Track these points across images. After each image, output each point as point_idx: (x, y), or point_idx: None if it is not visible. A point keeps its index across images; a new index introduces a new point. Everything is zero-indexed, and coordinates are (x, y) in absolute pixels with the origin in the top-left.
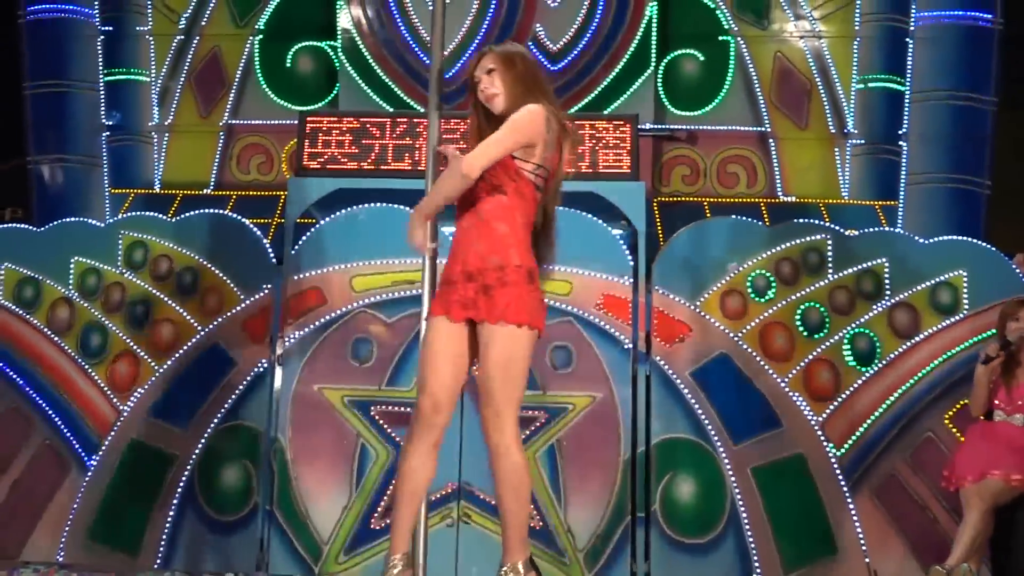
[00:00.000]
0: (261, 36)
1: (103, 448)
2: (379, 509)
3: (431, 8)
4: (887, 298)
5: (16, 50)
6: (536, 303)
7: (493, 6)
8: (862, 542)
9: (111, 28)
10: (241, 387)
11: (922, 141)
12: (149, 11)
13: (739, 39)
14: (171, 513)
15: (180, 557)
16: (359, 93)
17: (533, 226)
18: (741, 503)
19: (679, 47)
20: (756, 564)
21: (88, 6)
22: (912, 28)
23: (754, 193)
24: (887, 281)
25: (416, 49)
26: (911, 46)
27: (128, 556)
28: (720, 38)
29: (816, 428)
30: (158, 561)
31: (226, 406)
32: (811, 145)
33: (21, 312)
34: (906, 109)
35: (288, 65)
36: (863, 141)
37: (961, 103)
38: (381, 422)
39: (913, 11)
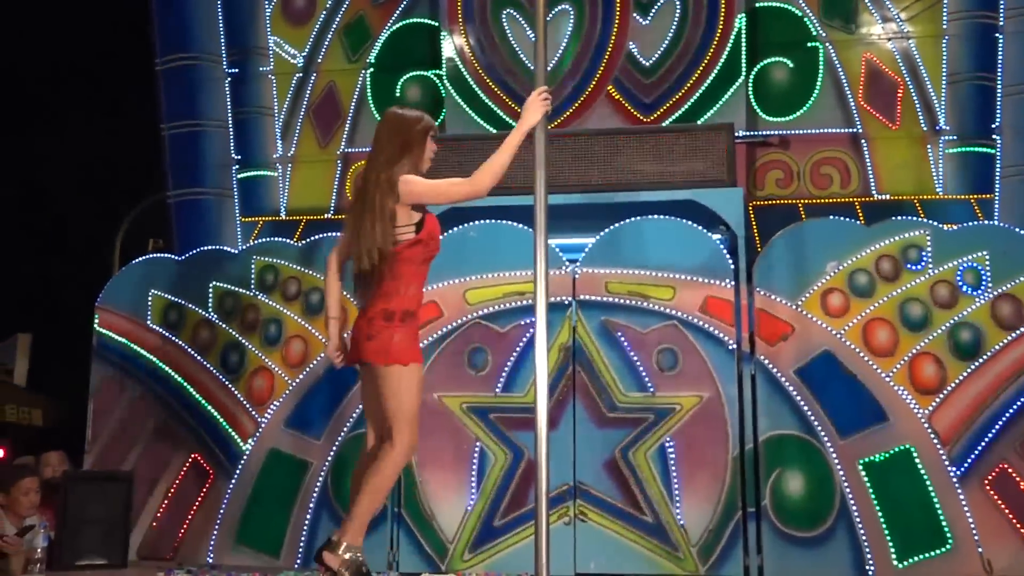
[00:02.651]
0: (372, 69)
1: (245, 457)
2: (501, 508)
3: (529, 34)
4: (989, 290)
5: (154, 95)
6: None
7: (587, 27)
8: (975, 533)
9: (237, 71)
10: None
11: (1015, 134)
12: (271, 53)
13: (827, 44)
14: (308, 516)
15: None
16: (464, 117)
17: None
18: (851, 496)
19: (769, 55)
20: (868, 556)
21: (215, 52)
22: (1001, 23)
23: (848, 193)
24: (988, 273)
25: (516, 72)
26: (1001, 41)
27: (270, 557)
28: (809, 44)
29: (923, 421)
30: (298, 561)
31: (354, 415)
32: (903, 143)
33: (168, 334)
34: (999, 103)
35: (398, 95)
36: (955, 137)
37: None
38: (499, 426)
39: (1002, 6)
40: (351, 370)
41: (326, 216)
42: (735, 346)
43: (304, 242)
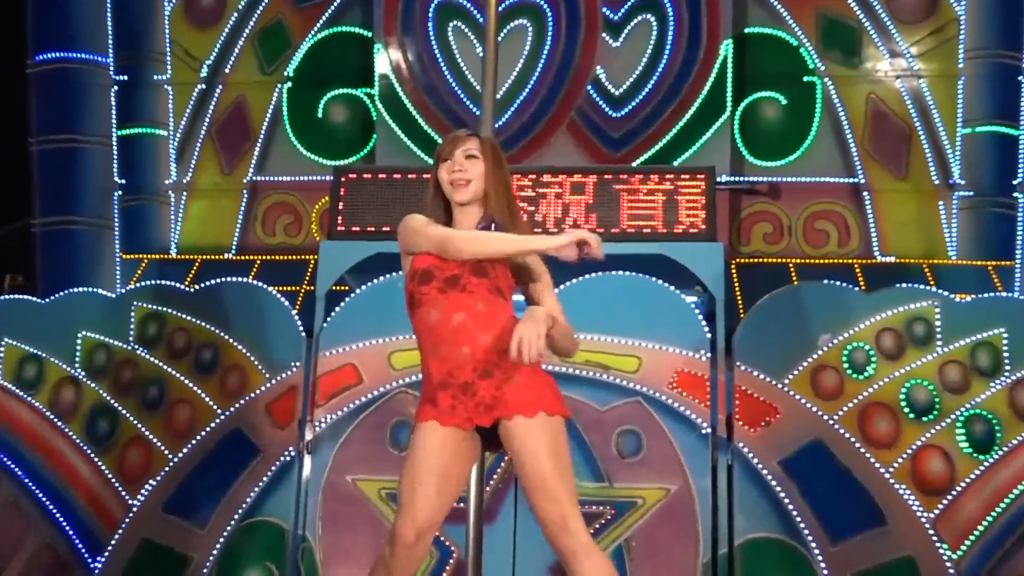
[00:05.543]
0: (290, 84)
1: (109, 548)
2: None
3: (479, 51)
4: (1007, 374)
5: (23, 102)
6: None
7: (548, 48)
8: None
9: (126, 77)
10: (265, 478)
11: None
12: (168, 58)
13: (826, 80)
14: None
15: None
16: (398, 145)
17: None
18: None
19: (758, 89)
20: None
21: (101, 54)
22: None
23: (847, 253)
24: (1006, 354)
25: (461, 95)
26: None
27: None
28: (805, 79)
29: (927, 526)
30: None
31: (248, 500)
32: (911, 198)
33: (21, 394)
34: (1020, 156)
35: (320, 115)
36: (972, 193)
37: None
38: None
39: None
40: (246, 443)
41: (226, 256)
42: (709, 430)
43: (198, 287)
